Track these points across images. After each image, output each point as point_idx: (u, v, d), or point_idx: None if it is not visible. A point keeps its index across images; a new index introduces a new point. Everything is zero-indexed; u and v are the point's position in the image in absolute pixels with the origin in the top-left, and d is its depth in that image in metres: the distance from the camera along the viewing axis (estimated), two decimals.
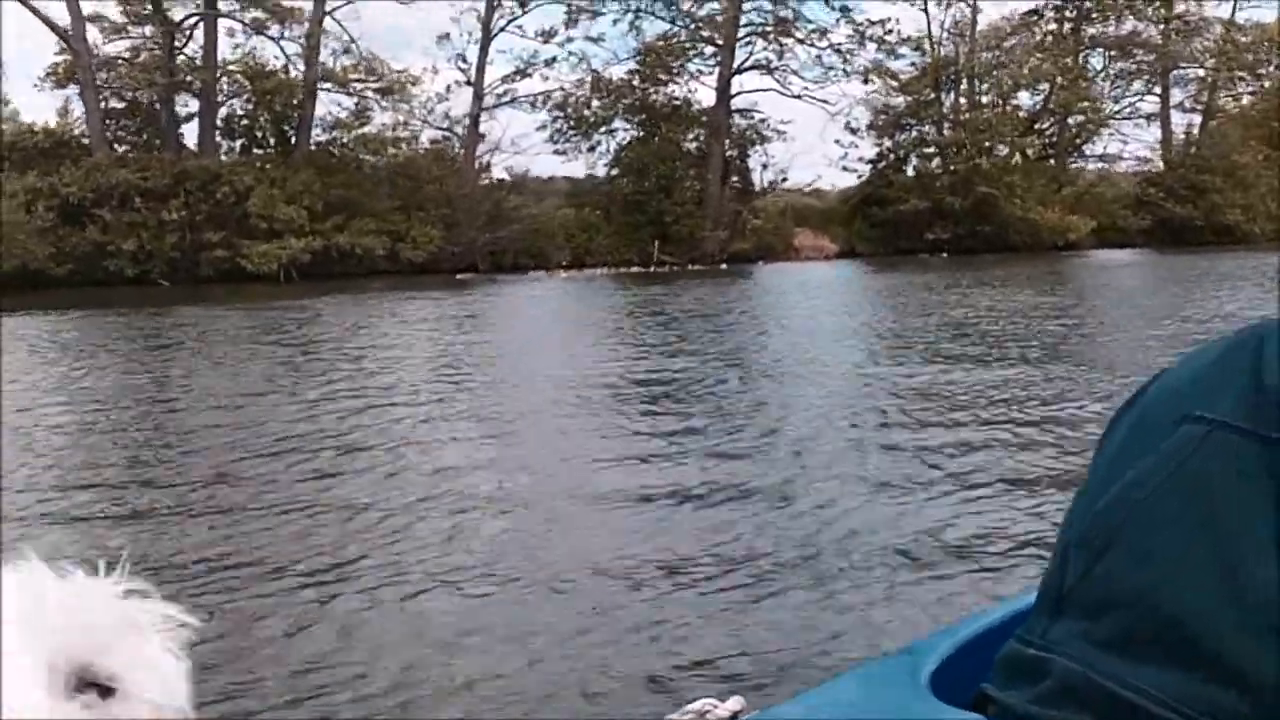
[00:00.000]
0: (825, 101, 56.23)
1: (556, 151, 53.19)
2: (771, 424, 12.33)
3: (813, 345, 20.72)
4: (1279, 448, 0.91)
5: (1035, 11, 59.16)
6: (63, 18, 40.18)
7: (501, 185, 47.37)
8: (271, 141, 45.03)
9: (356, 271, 40.44)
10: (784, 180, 53.48)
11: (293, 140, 44.24)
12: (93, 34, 41.51)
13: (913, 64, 55.81)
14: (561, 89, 50.66)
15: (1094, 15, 59.60)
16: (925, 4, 56.07)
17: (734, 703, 2.37)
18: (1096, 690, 0.93)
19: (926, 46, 54.63)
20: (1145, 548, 0.96)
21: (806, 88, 52.57)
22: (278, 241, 38.94)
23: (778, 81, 52.15)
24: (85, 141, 40.92)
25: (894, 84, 55.80)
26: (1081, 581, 1.01)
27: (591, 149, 52.89)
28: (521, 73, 48.29)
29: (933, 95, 56.48)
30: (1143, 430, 1.05)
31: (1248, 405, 0.95)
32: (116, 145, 42.42)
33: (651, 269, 47.06)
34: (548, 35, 48.04)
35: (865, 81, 53.59)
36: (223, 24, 42.50)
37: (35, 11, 39.84)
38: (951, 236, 52.42)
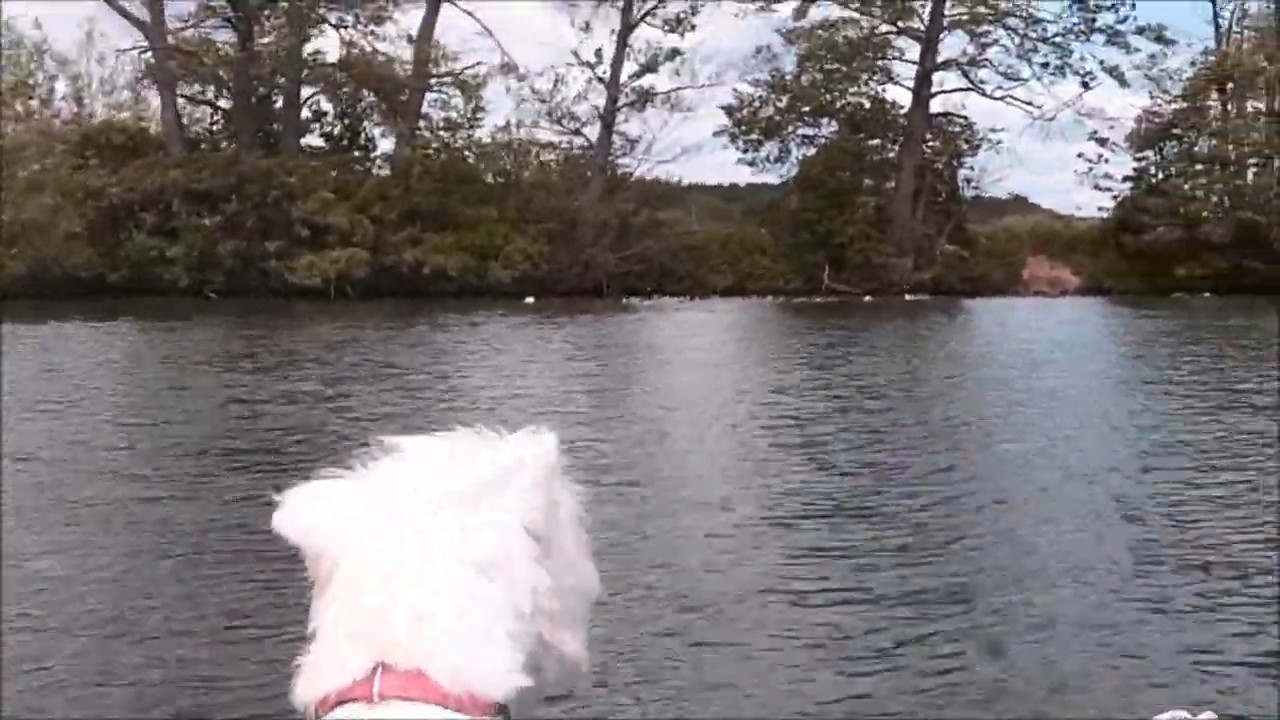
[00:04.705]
0: (1029, 104, 44.37)
1: (741, 162, 46.48)
2: None
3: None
4: None
5: None
6: (141, 11, 37.07)
7: (631, 195, 40.73)
8: (369, 141, 40.62)
9: (434, 291, 35.24)
10: (972, 196, 44.80)
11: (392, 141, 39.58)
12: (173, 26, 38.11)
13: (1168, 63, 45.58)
14: (735, 90, 43.80)
15: None
16: None
17: (1208, 715, 2.21)
18: None
19: (1169, 38, 44.31)
20: None
21: (1000, 86, 43.59)
22: (327, 253, 34.10)
23: (969, 80, 43.46)
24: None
25: (1165, 92, 45.76)
26: None
27: (780, 159, 45.83)
28: (649, 68, 41.31)
29: (1216, 101, 46.30)
30: None
31: None
32: (211, 145, 38.82)
33: (819, 299, 39.62)
34: (676, 23, 40.72)
35: (1085, 86, 43.92)
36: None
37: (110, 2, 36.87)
38: (1212, 273, 42.11)
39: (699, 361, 20.68)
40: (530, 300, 34.66)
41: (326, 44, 39.29)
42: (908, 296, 39.37)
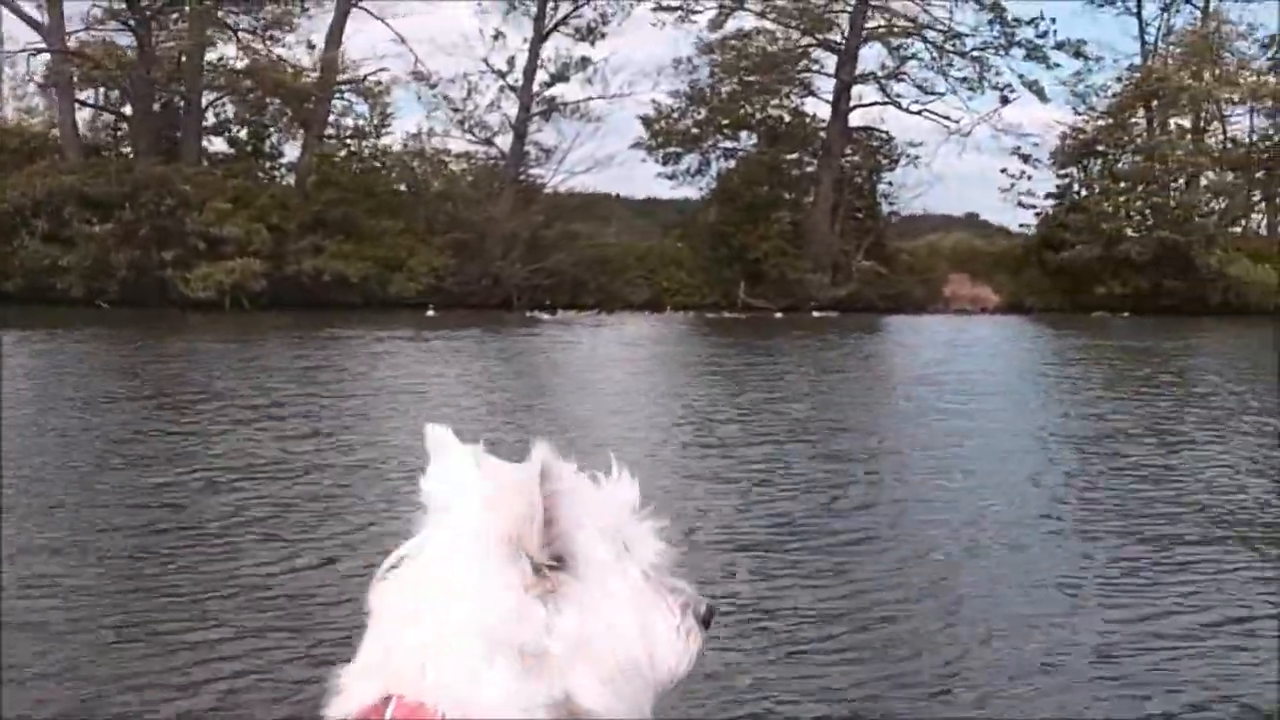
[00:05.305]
0: (947, 119, 44.35)
1: (661, 175, 45.93)
2: None
3: None
4: None
5: None
6: (41, 14, 36.33)
7: (543, 207, 40.16)
8: (274, 149, 39.97)
9: (338, 302, 34.63)
10: (893, 216, 44.59)
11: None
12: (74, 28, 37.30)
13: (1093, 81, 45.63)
14: (654, 101, 43.37)
15: None
16: (1139, 7, 45.97)
17: None
18: None
19: (1089, 53, 44.37)
20: None
21: (918, 100, 43.50)
22: (223, 264, 33.41)
23: (886, 94, 43.29)
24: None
25: (1091, 109, 45.76)
26: None
27: (700, 172, 45.34)
28: (560, 77, 40.83)
29: (1140, 118, 46.26)
30: None
31: None
32: (114, 151, 38.05)
33: (731, 314, 39.07)
34: (587, 32, 40.31)
35: (1004, 100, 43.80)
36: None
37: (5, 3, 36.08)
38: (1133, 292, 41.98)
39: (545, 375, 20.21)
40: (432, 313, 34.01)
41: (233, 50, 38.71)
42: (815, 314, 38.90)
